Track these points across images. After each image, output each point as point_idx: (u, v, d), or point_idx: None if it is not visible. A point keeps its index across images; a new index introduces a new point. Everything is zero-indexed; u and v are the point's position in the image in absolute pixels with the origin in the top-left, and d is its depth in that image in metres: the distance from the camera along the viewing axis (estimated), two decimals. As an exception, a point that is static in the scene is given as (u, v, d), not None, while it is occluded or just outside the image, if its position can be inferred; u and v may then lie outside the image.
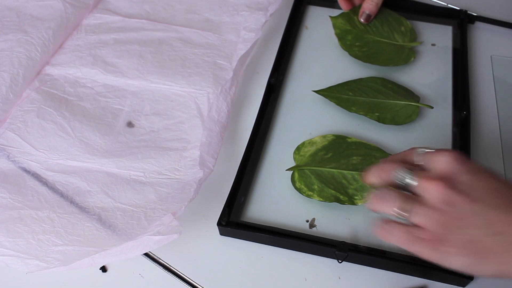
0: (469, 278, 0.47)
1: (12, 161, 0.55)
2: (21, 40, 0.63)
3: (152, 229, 0.45)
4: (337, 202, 0.52)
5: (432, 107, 0.60)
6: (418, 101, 0.60)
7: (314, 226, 0.52)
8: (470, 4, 0.73)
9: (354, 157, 0.55)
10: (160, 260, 0.50)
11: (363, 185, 0.52)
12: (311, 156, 0.55)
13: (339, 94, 0.62)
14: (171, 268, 0.50)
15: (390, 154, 0.55)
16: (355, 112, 0.60)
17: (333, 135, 0.57)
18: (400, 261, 0.48)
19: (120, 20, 0.70)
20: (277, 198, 0.54)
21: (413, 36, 0.68)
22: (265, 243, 0.51)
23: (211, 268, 0.50)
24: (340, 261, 0.49)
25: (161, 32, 0.69)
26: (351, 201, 0.52)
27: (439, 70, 0.66)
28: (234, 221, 0.52)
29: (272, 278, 0.49)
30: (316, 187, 0.53)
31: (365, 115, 0.59)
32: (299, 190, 0.53)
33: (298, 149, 0.56)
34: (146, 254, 0.50)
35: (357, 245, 0.50)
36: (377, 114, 0.60)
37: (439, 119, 0.61)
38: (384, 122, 0.59)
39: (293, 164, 0.56)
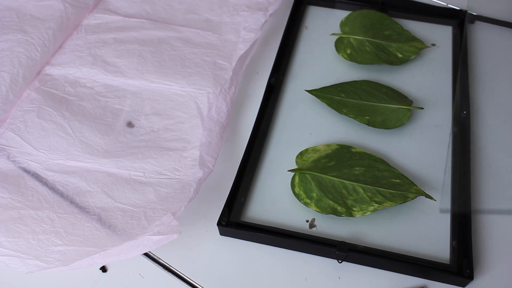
0: (469, 278, 0.47)
1: (12, 161, 0.55)
2: (21, 40, 0.63)
3: (152, 229, 0.45)
4: (334, 214, 0.51)
5: (422, 108, 0.60)
6: (410, 105, 0.60)
7: (314, 226, 0.52)
8: (470, 4, 0.73)
9: (357, 168, 0.54)
10: (160, 260, 0.50)
11: (363, 197, 0.52)
12: (313, 162, 0.55)
13: (331, 95, 0.62)
14: (171, 268, 0.50)
15: (394, 168, 0.54)
16: (346, 114, 0.60)
17: (338, 144, 0.57)
18: (400, 261, 0.48)
19: (120, 20, 0.70)
20: (277, 198, 0.54)
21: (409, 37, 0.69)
22: (265, 243, 0.51)
23: (211, 268, 0.50)
24: (340, 261, 0.49)
25: (161, 31, 0.69)
26: (349, 213, 0.51)
27: (439, 70, 0.66)
28: (234, 221, 0.52)
29: (272, 278, 0.49)
30: (315, 195, 0.53)
31: (355, 118, 0.59)
32: (297, 196, 0.53)
33: (301, 154, 0.56)
34: (146, 254, 0.50)
35: (357, 245, 0.50)
36: (367, 117, 0.59)
37: (439, 119, 0.61)
38: (374, 126, 0.59)
39: (293, 164, 0.56)
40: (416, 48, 0.67)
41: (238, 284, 0.49)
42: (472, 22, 0.72)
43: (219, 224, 0.51)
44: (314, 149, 0.57)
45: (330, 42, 0.69)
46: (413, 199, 0.52)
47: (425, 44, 0.68)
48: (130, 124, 0.60)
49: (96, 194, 0.53)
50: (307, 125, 0.61)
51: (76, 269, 0.45)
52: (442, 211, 0.53)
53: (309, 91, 0.63)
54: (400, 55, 0.66)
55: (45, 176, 0.54)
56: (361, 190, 0.53)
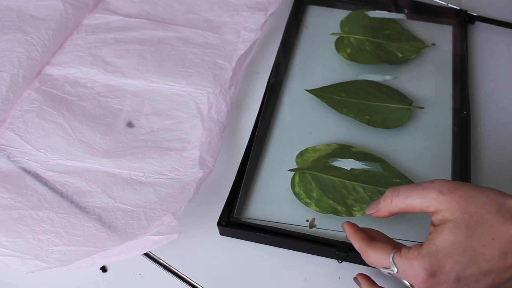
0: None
1: (12, 161, 0.55)
2: (21, 40, 0.63)
3: (152, 229, 0.45)
4: (334, 213, 0.51)
5: (422, 108, 0.60)
6: (410, 104, 0.60)
7: (314, 226, 0.52)
8: (470, 4, 0.73)
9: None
10: (160, 260, 0.50)
11: (363, 196, 0.52)
12: (313, 161, 0.55)
13: (331, 95, 0.62)
14: (171, 268, 0.50)
15: (394, 167, 0.54)
16: (346, 114, 0.60)
17: (338, 144, 0.57)
18: (400, 261, 0.48)
19: (120, 20, 0.70)
20: (277, 198, 0.54)
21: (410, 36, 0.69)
22: (265, 243, 0.51)
23: (211, 268, 0.50)
24: (340, 261, 0.49)
25: (161, 31, 0.69)
26: (349, 212, 0.51)
27: (439, 70, 0.66)
28: (234, 221, 0.52)
29: (272, 278, 0.49)
30: (315, 194, 0.53)
31: (355, 117, 0.59)
32: (297, 195, 0.53)
33: (301, 153, 0.56)
34: (146, 254, 0.50)
35: (357, 245, 0.50)
36: (367, 117, 0.59)
37: (439, 118, 0.61)
38: (374, 125, 0.59)
39: (293, 163, 0.56)
40: (416, 47, 0.67)
41: (238, 284, 0.49)
42: (472, 22, 0.72)
43: (219, 224, 0.51)
44: (314, 149, 0.57)
45: (330, 41, 0.69)
46: None
47: (425, 43, 0.68)
48: (130, 124, 0.60)
49: (96, 194, 0.53)
50: (307, 125, 0.61)
51: (76, 269, 0.45)
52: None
53: (309, 91, 0.63)
54: (400, 55, 0.66)
55: (45, 176, 0.54)
56: (361, 190, 0.53)
